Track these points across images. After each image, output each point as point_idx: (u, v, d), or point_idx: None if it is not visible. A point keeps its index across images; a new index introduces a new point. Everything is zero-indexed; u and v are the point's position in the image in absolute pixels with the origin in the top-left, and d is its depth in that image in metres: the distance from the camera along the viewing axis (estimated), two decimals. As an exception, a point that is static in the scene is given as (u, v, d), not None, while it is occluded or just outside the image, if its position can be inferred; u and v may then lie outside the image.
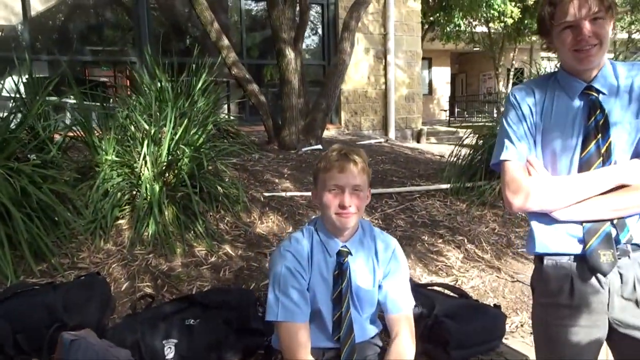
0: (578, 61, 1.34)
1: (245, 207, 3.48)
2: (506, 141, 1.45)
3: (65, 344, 1.71)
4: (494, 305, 2.30)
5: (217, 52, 5.41)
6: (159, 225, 3.00)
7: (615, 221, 1.33)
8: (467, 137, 4.76)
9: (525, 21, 10.74)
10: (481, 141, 4.46)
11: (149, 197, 3.09)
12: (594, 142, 1.35)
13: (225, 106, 7.33)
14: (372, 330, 1.83)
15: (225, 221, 3.32)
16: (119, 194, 3.12)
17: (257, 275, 2.79)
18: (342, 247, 1.71)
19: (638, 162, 1.34)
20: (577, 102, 1.38)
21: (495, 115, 15.67)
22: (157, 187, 3.10)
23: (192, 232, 3.10)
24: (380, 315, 1.86)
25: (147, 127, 3.32)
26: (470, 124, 15.81)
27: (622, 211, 1.32)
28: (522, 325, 2.40)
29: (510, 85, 15.97)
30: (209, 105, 4.37)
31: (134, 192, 3.19)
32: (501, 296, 2.74)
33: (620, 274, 1.34)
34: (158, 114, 3.56)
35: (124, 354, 1.75)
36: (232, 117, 5.95)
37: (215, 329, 2.03)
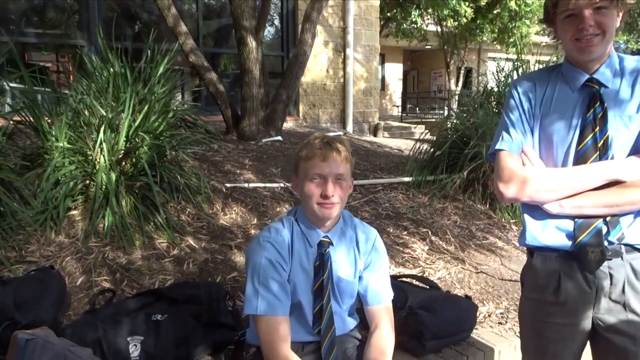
0: (579, 51, 1.32)
1: (208, 198, 3.36)
2: (503, 132, 1.44)
3: (19, 344, 1.56)
4: (465, 296, 2.32)
5: (174, 38, 5.20)
6: (116, 216, 2.84)
7: (608, 218, 1.31)
8: (426, 133, 4.81)
9: (478, 21, 11.01)
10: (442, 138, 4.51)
11: (104, 186, 2.92)
12: (591, 135, 1.33)
13: (179, 95, 7.08)
14: (352, 323, 1.79)
15: (187, 212, 3.18)
16: (72, 183, 2.92)
17: (222, 269, 2.69)
18: (323, 237, 1.66)
19: (635, 159, 1.31)
20: (578, 94, 1.36)
21: (445, 112, 16.12)
22: (113, 176, 2.93)
23: (152, 223, 2.96)
24: (358, 308, 1.82)
25: (104, 112, 3.13)
26: (423, 120, 16.16)
27: (616, 208, 1.30)
28: (489, 316, 2.43)
29: (460, 83, 16.42)
30: (166, 92, 4.19)
31: (88, 182, 3.01)
32: (467, 287, 2.77)
33: (611, 275, 1.32)
34: (113, 102, 3.37)
35: (86, 355, 1.62)
36: (188, 106, 5.75)
37: (183, 324, 1.93)
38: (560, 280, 1.38)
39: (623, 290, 1.31)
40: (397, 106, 20.48)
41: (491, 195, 4.01)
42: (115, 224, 2.82)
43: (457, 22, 10.98)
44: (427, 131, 13.79)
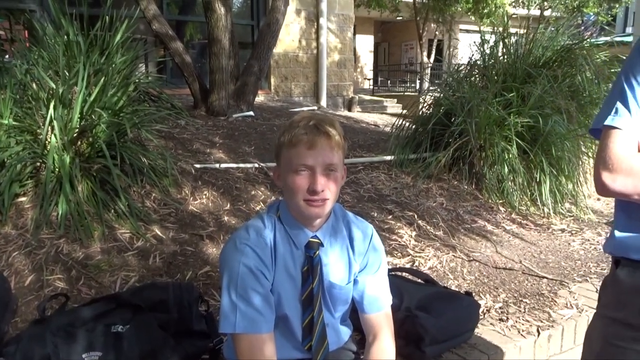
0: None
1: (175, 181, 3.05)
2: (619, 103, 1.06)
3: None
4: (466, 292, 2.12)
5: (135, 3, 4.76)
6: (71, 203, 2.51)
7: None
8: (408, 109, 4.57)
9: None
10: (428, 111, 4.28)
11: (57, 169, 2.58)
12: None
13: (143, 66, 6.62)
14: (346, 334, 1.56)
15: (152, 198, 2.88)
16: (19, 166, 2.57)
17: (193, 262, 2.42)
18: (311, 237, 1.40)
19: None
20: None
21: (417, 85, 15.93)
22: (67, 158, 2.60)
23: (112, 211, 2.64)
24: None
25: (53, 85, 2.75)
26: (395, 93, 15.95)
27: None
28: (488, 311, 2.24)
29: (432, 56, 16.20)
30: (127, 63, 3.80)
31: (39, 164, 2.66)
32: (461, 277, 2.59)
33: None
34: (67, 71, 2.98)
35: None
36: (151, 78, 5.33)
37: (150, 335, 1.66)
38: None
39: None
40: (369, 79, 20.18)
41: (477, 174, 3.83)
42: (70, 213, 2.50)
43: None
44: (399, 105, 13.58)
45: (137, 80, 4.14)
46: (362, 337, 1.61)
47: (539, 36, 4.48)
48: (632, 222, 1.10)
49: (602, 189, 1.07)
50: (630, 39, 9.64)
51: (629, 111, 1.03)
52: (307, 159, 1.27)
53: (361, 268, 1.50)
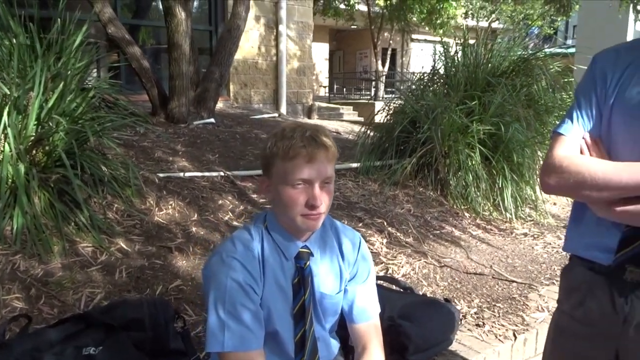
0: None
1: (138, 191, 2.92)
2: (567, 115, 1.19)
3: None
4: (445, 299, 2.12)
5: (89, 6, 4.57)
6: (27, 216, 2.35)
7: None
8: (377, 113, 4.59)
9: (407, 1, 10.96)
10: (392, 119, 4.31)
11: (11, 180, 2.41)
12: None
13: (95, 72, 6.35)
14: (335, 346, 1.52)
15: (115, 209, 2.74)
16: (-32, 176, 2.39)
17: (163, 276, 2.31)
18: (301, 247, 1.36)
19: None
20: None
21: (372, 93, 16.14)
22: (22, 168, 2.43)
23: (72, 223, 2.50)
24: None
25: (7, 90, 2.58)
26: (350, 101, 16.10)
27: None
28: (464, 317, 2.26)
29: (387, 64, 16.48)
30: (81, 68, 3.62)
31: (-10, 175, 2.48)
32: (434, 284, 2.59)
33: None
34: (18, 78, 2.80)
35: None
36: (107, 84, 5.13)
37: (124, 355, 1.56)
38: (585, 295, 1.17)
39: None
40: (324, 86, 20.28)
41: (442, 181, 3.89)
42: (26, 226, 2.33)
43: (388, 2, 10.84)
44: (356, 112, 13.69)
45: (94, 86, 3.97)
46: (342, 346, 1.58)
47: (497, 46, 4.62)
48: (576, 222, 1.20)
49: (544, 187, 1.18)
50: (573, 50, 10.12)
51: (572, 120, 1.17)
52: (307, 173, 1.23)
53: (351, 277, 1.47)
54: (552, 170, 1.14)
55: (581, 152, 1.14)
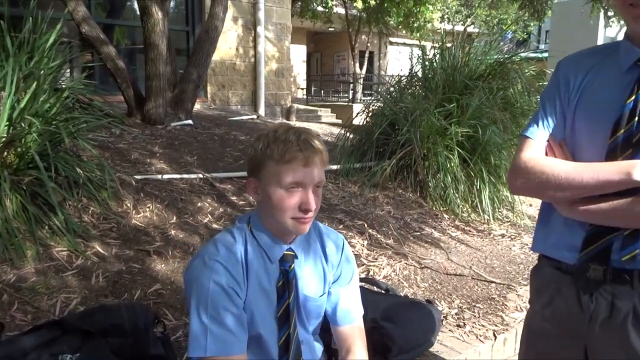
0: (632, 19, 1.06)
1: (115, 193, 2.86)
2: (533, 119, 1.24)
3: None
4: (427, 300, 2.13)
5: (62, 5, 4.46)
6: (-1, 220, 2.28)
7: (626, 233, 1.06)
8: (357, 116, 4.61)
9: (385, 4, 11.03)
10: (371, 121, 4.33)
11: (-19, 183, 2.33)
12: (625, 128, 1.06)
13: (68, 72, 6.21)
14: (319, 349, 1.51)
15: (90, 212, 2.68)
16: (-64, 179, 2.30)
17: (141, 280, 2.26)
18: (286, 250, 1.34)
19: None
20: (628, 76, 1.09)
21: (350, 95, 16.21)
22: (-7, 170, 2.36)
23: (46, 227, 2.43)
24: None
25: (-24, 90, 2.50)
26: (328, 103, 16.11)
27: (635, 222, 1.04)
28: (445, 317, 2.27)
29: (365, 67, 16.56)
30: (54, 68, 3.53)
31: (-41, 177, 2.39)
32: (415, 285, 2.60)
33: (613, 303, 1.09)
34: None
35: None
36: (82, 84, 5.02)
37: (102, 363, 1.52)
38: (553, 295, 1.21)
39: (625, 325, 1.08)
40: (302, 89, 20.28)
41: (421, 183, 3.91)
42: (-3, 231, 2.26)
43: (366, 4, 10.89)
44: (334, 114, 13.69)
45: (68, 86, 3.88)
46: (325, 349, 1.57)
47: (474, 50, 4.68)
48: (544, 223, 1.24)
49: (512, 188, 1.24)
50: (546, 54, 10.33)
51: (537, 124, 1.21)
52: (302, 177, 1.22)
53: (334, 279, 1.46)
54: (518, 172, 1.18)
55: (547, 154, 1.18)
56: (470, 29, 18.63)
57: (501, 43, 5.48)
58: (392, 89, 4.73)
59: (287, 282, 1.34)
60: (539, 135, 1.20)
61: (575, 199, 1.10)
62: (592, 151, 1.12)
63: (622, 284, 1.08)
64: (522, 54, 5.29)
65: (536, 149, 1.19)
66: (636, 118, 1.06)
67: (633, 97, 1.07)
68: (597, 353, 1.14)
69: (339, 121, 11.66)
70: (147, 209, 2.85)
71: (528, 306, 1.79)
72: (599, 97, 1.13)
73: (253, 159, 1.28)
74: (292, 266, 1.35)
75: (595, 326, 1.12)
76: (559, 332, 1.20)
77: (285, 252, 1.34)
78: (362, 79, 16.15)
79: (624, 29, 1.16)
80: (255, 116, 6.83)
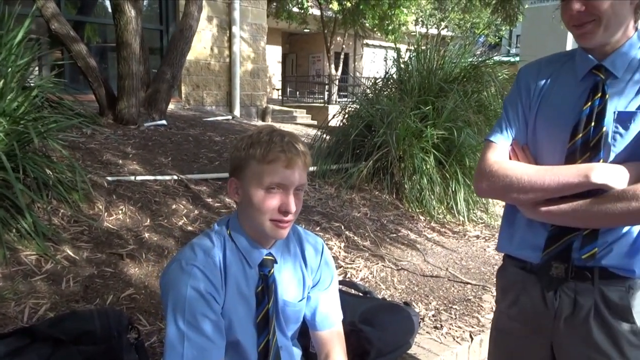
0: (576, 37, 1.13)
1: (86, 195, 2.78)
2: (497, 123, 1.28)
3: None
4: (404, 303, 2.13)
5: (31, 0, 4.33)
6: (-37, 223, 2.19)
7: (585, 232, 1.11)
8: (334, 117, 4.60)
9: (360, 6, 11.09)
10: (347, 122, 4.33)
11: (-56, 184, 2.24)
12: (583, 132, 1.12)
13: (37, 70, 6.03)
14: (298, 354, 1.49)
15: (60, 214, 2.60)
16: None
17: (114, 285, 2.20)
18: (266, 255, 1.32)
19: (632, 165, 1.07)
20: (583, 84, 1.16)
21: (326, 97, 16.24)
22: (-43, 172, 2.27)
23: (13, 230, 2.34)
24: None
25: (-61, 87, 2.40)
26: (303, 104, 16.09)
27: (596, 221, 1.08)
28: (422, 319, 2.28)
29: (340, 68, 16.62)
30: (23, 65, 3.42)
31: None
32: (392, 287, 2.61)
33: (576, 300, 1.14)
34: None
35: None
36: (51, 83, 4.88)
37: (73, 371, 1.47)
38: (519, 294, 1.25)
39: (587, 321, 1.13)
40: (277, 89, 20.21)
41: (397, 185, 3.93)
42: (-39, 234, 2.17)
43: (341, 7, 10.92)
44: (309, 115, 13.69)
45: (36, 85, 3.76)
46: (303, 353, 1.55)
47: (448, 53, 4.73)
48: (508, 224, 1.28)
49: (477, 191, 1.27)
50: (517, 58, 10.53)
51: (501, 129, 1.25)
52: (283, 178, 1.21)
53: (313, 284, 1.45)
54: (483, 175, 1.22)
55: (510, 158, 1.23)
56: (444, 32, 18.91)
57: (475, 47, 5.56)
58: (368, 90, 4.74)
59: (266, 288, 1.32)
60: (502, 140, 1.24)
61: (537, 200, 1.15)
62: (552, 154, 1.17)
63: (584, 281, 1.14)
64: (495, 58, 5.37)
65: (500, 153, 1.23)
66: (592, 123, 1.12)
67: (589, 104, 1.13)
68: (563, 349, 1.19)
69: (315, 122, 11.66)
70: (120, 211, 2.79)
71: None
72: (558, 103, 1.19)
73: (235, 159, 1.26)
74: (272, 271, 1.33)
75: (559, 323, 1.17)
76: (526, 330, 1.24)
77: (265, 257, 1.32)
78: (337, 81, 16.19)
79: None
80: (230, 117, 6.77)
